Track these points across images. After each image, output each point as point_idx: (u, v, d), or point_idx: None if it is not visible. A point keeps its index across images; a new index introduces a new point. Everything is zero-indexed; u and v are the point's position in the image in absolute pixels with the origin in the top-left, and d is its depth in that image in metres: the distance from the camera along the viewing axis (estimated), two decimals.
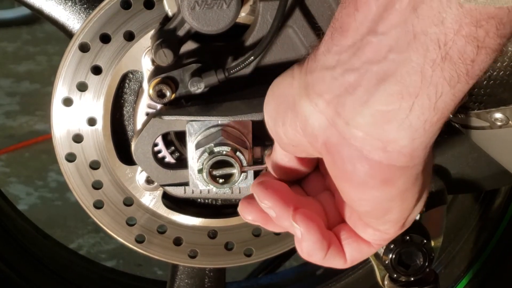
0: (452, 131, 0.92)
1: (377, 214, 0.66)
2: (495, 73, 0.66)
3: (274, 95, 0.69)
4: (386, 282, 0.89)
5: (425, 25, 0.55)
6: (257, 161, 0.86)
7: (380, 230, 0.69)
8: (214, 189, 0.83)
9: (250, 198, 0.73)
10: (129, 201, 0.96)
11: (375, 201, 0.64)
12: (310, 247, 0.68)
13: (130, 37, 0.90)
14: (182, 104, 0.88)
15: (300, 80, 0.65)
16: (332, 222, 0.72)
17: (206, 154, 0.82)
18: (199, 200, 0.99)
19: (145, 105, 0.93)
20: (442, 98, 0.57)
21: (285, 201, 0.69)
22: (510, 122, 0.70)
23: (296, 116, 0.65)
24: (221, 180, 0.82)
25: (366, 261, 1.19)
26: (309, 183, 0.76)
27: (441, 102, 0.57)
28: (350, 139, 0.61)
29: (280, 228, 0.72)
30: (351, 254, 0.70)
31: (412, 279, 0.84)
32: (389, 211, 0.66)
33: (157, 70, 0.88)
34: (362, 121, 0.60)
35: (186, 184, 0.89)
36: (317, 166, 0.75)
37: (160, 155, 0.94)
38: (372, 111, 0.59)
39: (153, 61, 0.90)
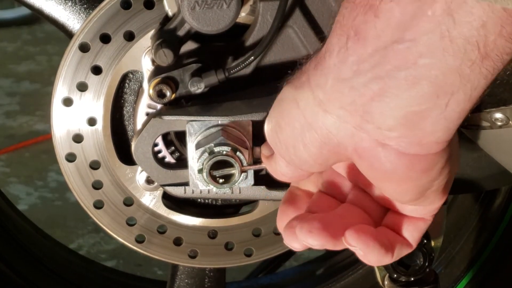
0: None
1: (420, 197, 0.66)
2: None
3: (281, 127, 0.67)
4: (386, 282, 0.88)
5: (463, 30, 0.54)
6: (257, 161, 0.86)
7: (427, 205, 0.69)
8: (214, 189, 0.83)
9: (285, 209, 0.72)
10: (129, 201, 0.96)
11: (418, 188, 0.64)
12: (376, 258, 0.67)
13: (130, 37, 0.90)
14: (182, 104, 0.88)
15: (307, 99, 0.63)
16: (377, 216, 0.71)
17: (206, 154, 0.82)
18: (199, 200, 0.99)
19: (145, 105, 0.93)
20: (477, 90, 0.57)
21: (329, 231, 0.66)
22: (510, 122, 0.70)
23: (316, 133, 0.63)
24: (221, 180, 0.82)
25: None
26: (333, 186, 0.74)
27: (476, 92, 0.57)
28: (383, 141, 0.61)
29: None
30: (412, 236, 0.70)
31: (412, 279, 0.84)
32: (430, 189, 0.66)
33: (157, 70, 0.88)
34: (395, 123, 0.59)
35: (186, 184, 0.89)
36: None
37: (160, 155, 0.94)
38: (405, 113, 0.58)
39: (153, 61, 0.90)
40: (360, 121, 0.61)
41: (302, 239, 0.67)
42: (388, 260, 0.68)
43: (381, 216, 0.71)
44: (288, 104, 0.65)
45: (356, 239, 0.66)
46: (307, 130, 0.64)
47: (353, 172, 0.72)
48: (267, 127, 0.70)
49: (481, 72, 0.56)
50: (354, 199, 0.72)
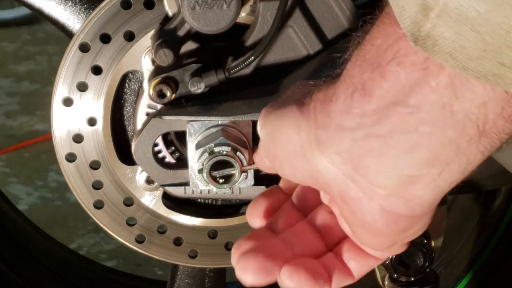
0: None
1: (388, 248, 0.68)
2: None
3: (275, 141, 0.68)
4: (386, 282, 0.88)
5: (464, 106, 0.54)
6: None
7: (388, 252, 0.70)
8: (214, 189, 0.83)
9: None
10: (129, 201, 0.96)
11: (390, 242, 0.66)
12: None
13: (130, 37, 0.90)
14: (182, 104, 0.88)
15: (309, 132, 0.64)
16: (334, 239, 0.72)
17: (206, 154, 0.82)
18: (199, 200, 0.99)
19: (145, 105, 0.93)
20: (472, 164, 0.57)
21: (264, 270, 0.68)
22: None
23: (307, 165, 0.64)
24: (221, 180, 0.82)
25: None
26: (303, 197, 0.75)
27: (471, 167, 0.58)
28: (371, 195, 0.61)
29: None
30: (359, 270, 0.71)
31: (412, 279, 0.84)
32: (400, 241, 0.67)
33: (157, 70, 0.88)
34: (387, 183, 0.60)
35: (186, 184, 0.89)
36: None
37: (160, 155, 0.94)
38: (399, 175, 0.59)
39: (153, 61, 0.90)
40: (352, 172, 0.61)
41: (238, 275, 0.68)
42: None
43: (338, 240, 0.72)
44: (289, 125, 0.66)
45: (290, 280, 0.67)
46: (300, 158, 0.65)
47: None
48: (261, 129, 0.70)
49: (478, 148, 0.56)
50: (316, 215, 0.73)
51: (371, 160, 0.59)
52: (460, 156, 0.57)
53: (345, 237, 0.71)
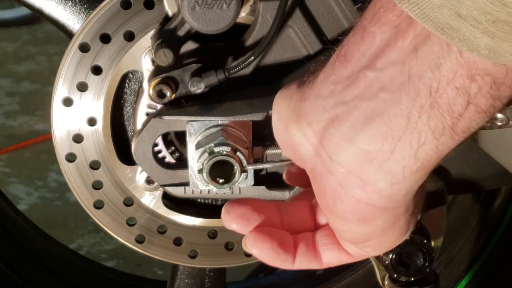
0: None
1: (357, 242, 0.67)
2: None
3: (275, 108, 0.68)
4: (386, 282, 0.88)
5: (421, 68, 0.54)
6: (257, 161, 0.86)
7: (362, 251, 0.69)
8: (214, 189, 0.83)
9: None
10: (129, 201, 0.96)
11: (354, 233, 0.65)
12: (272, 263, 0.69)
13: (130, 37, 0.90)
14: (182, 104, 0.88)
15: (295, 104, 0.64)
16: (323, 221, 0.72)
17: (206, 154, 0.82)
18: (199, 200, 0.99)
19: (145, 105, 0.93)
20: (423, 148, 0.56)
21: (244, 220, 0.70)
22: (510, 122, 0.70)
23: (288, 138, 0.65)
24: (221, 180, 0.82)
25: (366, 261, 1.19)
26: None
27: (423, 151, 0.57)
28: (333, 173, 0.61)
29: None
30: (329, 259, 0.71)
31: (412, 279, 0.84)
32: (368, 241, 0.66)
33: (157, 70, 0.88)
34: (345, 158, 0.59)
35: (186, 184, 0.89)
36: None
37: (160, 155, 0.94)
38: (355, 150, 0.58)
39: (153, 61, 0.90)
40: (319, 146, 0.61)
41: (222, 216, 0.70)
42: (287, 267, 0.70)
43: (326, 224, 0.72)
44: (285, 98, 0.66)
45: (253, 246, 0.69)
46: (285, 130, 0.65)
47: None
48: (273, 107, 0.70)
49: (429, 124, 0.55)
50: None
51: (333, 132, 0.59)
52: (410, 130, 0.56)
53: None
